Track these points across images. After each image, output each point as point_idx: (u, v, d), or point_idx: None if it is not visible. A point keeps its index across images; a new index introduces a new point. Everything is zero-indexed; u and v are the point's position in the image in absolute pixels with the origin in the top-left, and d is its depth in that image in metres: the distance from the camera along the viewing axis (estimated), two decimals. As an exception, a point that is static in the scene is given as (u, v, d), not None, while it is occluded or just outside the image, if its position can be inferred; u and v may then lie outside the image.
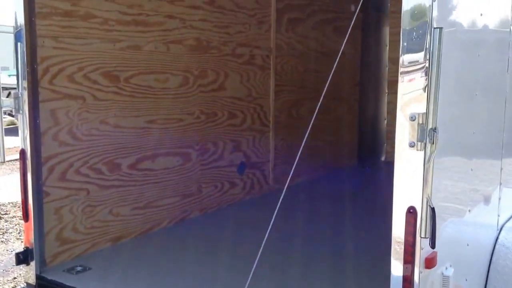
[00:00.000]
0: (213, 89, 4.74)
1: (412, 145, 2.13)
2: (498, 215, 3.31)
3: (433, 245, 2.19)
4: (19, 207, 7.67)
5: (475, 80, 2.79)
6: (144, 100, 4.13)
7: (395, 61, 6.79)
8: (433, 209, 2.14)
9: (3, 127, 3.70)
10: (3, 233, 6.63)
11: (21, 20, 3.31)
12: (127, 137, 4.03)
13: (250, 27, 5.07)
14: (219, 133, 4.85)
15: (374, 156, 7.00)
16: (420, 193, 2.15)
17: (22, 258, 3.41)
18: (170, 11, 4.26)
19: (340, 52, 2.79)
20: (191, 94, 4.53)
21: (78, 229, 3.73)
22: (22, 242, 6.30)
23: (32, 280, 3.44)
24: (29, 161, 3.37)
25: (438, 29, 2.09)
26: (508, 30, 3.17)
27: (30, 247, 3.43)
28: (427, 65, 2.14)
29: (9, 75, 14.52)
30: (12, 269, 5.46)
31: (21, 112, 3.36)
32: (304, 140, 2.74)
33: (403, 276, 2.23)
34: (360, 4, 2.72)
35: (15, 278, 5.32)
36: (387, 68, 6.87)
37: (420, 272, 2.22)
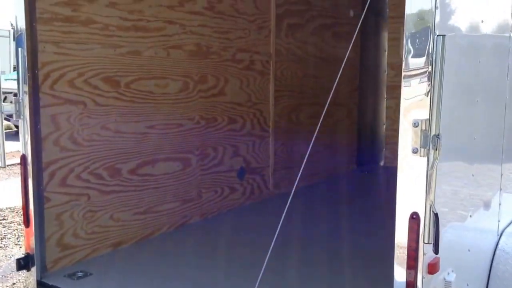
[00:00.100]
0: (213, 94, 4.75)
1: (415, 151, 2.14)
2: (499, 221, 3.32)
3: (436, 251, 2.19)
4: (17, 212, 7.65)
5: (476, 86, 2.80)
6: (145, 105, 4.14)
7: (394, 66, 6.83)
8: (436, 215, 2.15)
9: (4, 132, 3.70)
10: (1, 239, 6.61)
11: (21, 24, 3.32)
12: (128, 142, 4.04)
13: (250, 33, 5.09)
14: (219, 138, 4.86)
15: (373, 161, 7.01)
16: (423, 199, 2.16)
17: (23, 263, 3.41)
18: (170, 16, 4.28)
19: (346, 58, 2.79)
20: (191, 99, 4.54)
21: (79, 235, 3.73)
22: (20, 247, 6.30)
23: (33, 286, 3.44)
24: (30, 166, 3.37)
25: (441, 36, 2.10)
26: (508, 36, 3.19)
27: (31, 253, 3.43)
28: (429, 69, 2.15)
29: (6, 80, 14.51)
30: (11, 274, 5.44)
31: (22, 117, 3.36)
32: (311, 144, 2.75)
33: (406, 282, 2.23)
34: (365, 9, 2.73)
35: (14, 283, 5.30)
36: (385, 73, 6.88)
37: (423, 278, 2.23)
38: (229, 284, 3.47)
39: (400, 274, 2.25)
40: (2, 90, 3.77)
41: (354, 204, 5.38)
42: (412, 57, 2.20)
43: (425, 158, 2.14)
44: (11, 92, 13.93)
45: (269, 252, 2.74)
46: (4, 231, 6.92)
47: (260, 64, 5.26)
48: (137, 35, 4.03)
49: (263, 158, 5.40)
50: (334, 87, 2.66)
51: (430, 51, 2.14)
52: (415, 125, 2.13)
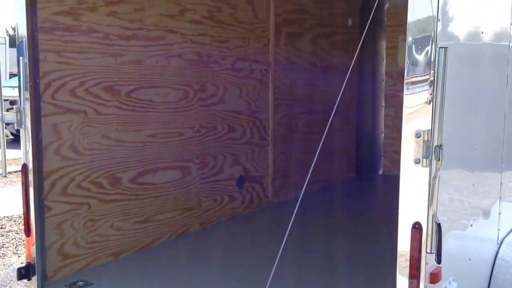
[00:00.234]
0: (213, 103, 4.77)
1: (417, 161, 2.16)
2: (498, 229, 3.33)
3: (439, 261, 2.21)
4: (15, 221, 7.63)
5: (476, 96, 2.82)
6: (145, 114, 4.15)
7: (392, 75, 6.87)
8: (439, 225, 2.17)
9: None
10: (-1, 248, 6.60)
11: (22, 31, 3.33)
12: (128, 151, 4.04)
13: (249, 42, 5.11)
14: (218, 146, 4.87)
15: (372, 169, 7.02)
16: (426, 209, 2.17)
17: (24, 273, 3.40)
18: (170, 25, 4.30)
19: (351, 67, 2.81)
20: (191, 108, 4.55)
21: (80, 244, 3.72)
22: (19, 256, 6.27)
23: (34, 295, 3.43)
24: (31, 175, 3.37)
25: (443, 48, 2.12)
26: (508, 45, 3.22)
27: (31, 262, 3.42)
28: (432, 79, 2.16)
29: (3, 87, 14.49)
30: (10, 284, 5.42)
31: (23, 126, 3.36)
32: (318, 151, 2.77)
33: (409, 291, 2.24)
34: (370, 19, 2.76)
35: (12, 292, 5.29)
36: (384, 82, 6.91)
37: (425, 287, 2.24)
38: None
39: (402, 283, 2.26)
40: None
41: (354, 211, 5.38)
42: (414, 66, 2.21)
43: (427, 169, 2.15)
44: (7, 100, 13.92)
45: (277, 259, 2.75)
46: (2, 240, 6.90)
47: (260, 73, 5.28)
48: (138, 44, 4.05)
49: (263, 166, 5.41)
50: (339, 96, 2.67)
51: (432, 60, 2.16)
52: (418, 135, 2.14)
